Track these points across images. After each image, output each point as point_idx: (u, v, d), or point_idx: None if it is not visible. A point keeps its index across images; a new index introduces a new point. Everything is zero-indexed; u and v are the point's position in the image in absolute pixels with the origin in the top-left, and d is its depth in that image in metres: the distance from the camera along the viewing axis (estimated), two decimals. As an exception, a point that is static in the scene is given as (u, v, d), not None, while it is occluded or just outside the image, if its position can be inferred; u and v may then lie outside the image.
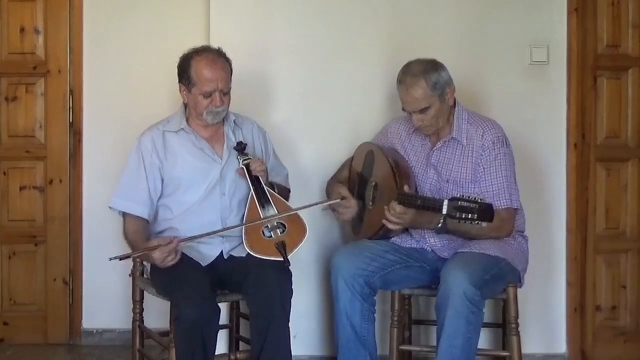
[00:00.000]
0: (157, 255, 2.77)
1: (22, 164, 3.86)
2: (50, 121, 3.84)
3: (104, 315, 3.84)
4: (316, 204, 3.17)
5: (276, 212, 2.94)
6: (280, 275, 2.84)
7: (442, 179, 3.03)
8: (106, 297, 3.82)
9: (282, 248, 2.87)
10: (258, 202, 2.95)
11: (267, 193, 2.97)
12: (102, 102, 3.84)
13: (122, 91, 3.83)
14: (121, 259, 2.80)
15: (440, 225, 2.81)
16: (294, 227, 2.94)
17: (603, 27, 3.60)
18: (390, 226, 2.85)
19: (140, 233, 2.93)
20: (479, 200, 2.57)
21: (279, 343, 2.81)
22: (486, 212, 2.55)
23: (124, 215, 2.99)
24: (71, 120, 3.85)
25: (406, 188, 2.86)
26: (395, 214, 2.81)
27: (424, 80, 2.93)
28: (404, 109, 3.02)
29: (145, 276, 3.10)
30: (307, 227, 2.97)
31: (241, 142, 3.04)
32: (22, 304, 3.86)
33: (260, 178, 2.98)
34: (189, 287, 2.75)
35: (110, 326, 3.84)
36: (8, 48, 3.83)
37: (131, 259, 2.93)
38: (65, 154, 3.85)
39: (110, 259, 2.77)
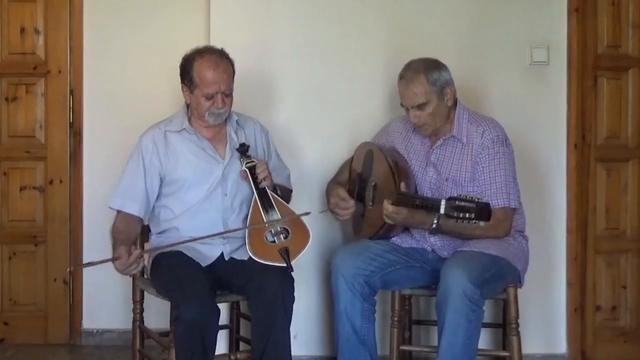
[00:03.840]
0: (117, 266, 2.77)
1: (22, 164, 3.86)
2: (50, 121, 3.85)
3: (104, 315, 3.85)
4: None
5: (279, 217, 2.91)
6: (282, 282, 2.82)
7: (441, 177, 3.02)
8: (106, 297, 3.83)
9: (285, 254, 2.82)
10: (261, 206, 2.92)
11: (271, 198, 2.95)
12: (102, 102, 3.84)
13: (122, 91, 3.83)
14: (84, 266, 2.75)
15: (434, 226, 2.81)
16: (298, 232, 2.91)
17: (603, 27, 3.60)
18: (389, 221, 2.86)
19: (123, 232, 2.91)
20: (476, 200, 2.57)
21: (280, 348, 2.81)
22: (483, 210, 2.55)
23: (118, 211, 2.99)
24: (71, 120, 3.85)
25: (402, 185, 2.86)
26: (387, 213, 2.82)
27: (423, 76, 2.94)
28: (402, 104, 3.02)
29: (145, 276, 3.09)
30: (311, 232, 2.93)
31: (244, 143, 3.02)
32: (22, 304, 3.86)
33: (266, 185, 2.96)
34: (189, 287, 2.74)
35: (110, 326, 3.84)
36: (8, 48, 3.84)
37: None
38: (65, 154, 3.85)
39: (69, 270, 2.70)
